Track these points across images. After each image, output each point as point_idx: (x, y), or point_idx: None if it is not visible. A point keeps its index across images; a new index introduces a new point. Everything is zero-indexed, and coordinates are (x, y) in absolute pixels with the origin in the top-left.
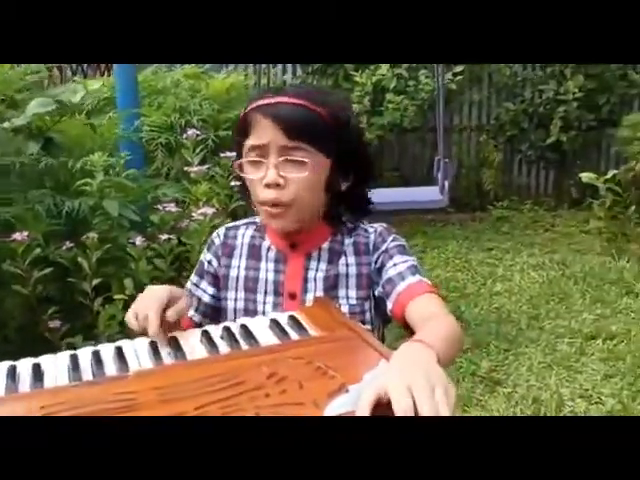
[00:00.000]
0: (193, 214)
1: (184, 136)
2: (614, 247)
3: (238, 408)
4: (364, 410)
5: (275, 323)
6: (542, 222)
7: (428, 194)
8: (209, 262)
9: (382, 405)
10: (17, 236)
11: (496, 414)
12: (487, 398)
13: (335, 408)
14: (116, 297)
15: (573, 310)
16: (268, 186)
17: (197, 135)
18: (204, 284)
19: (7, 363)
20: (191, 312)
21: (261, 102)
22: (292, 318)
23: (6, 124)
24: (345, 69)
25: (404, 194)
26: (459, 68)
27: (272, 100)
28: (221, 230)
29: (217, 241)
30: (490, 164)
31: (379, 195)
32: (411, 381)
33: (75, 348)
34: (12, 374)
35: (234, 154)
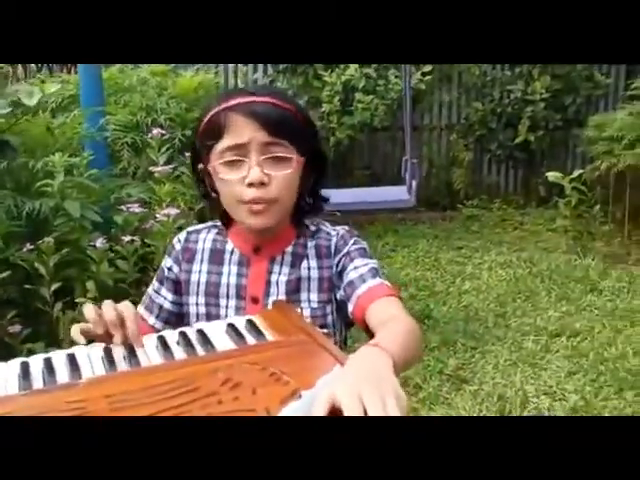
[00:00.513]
0: (157, 215)
1: (149, 135)
2: (579, 245)
3: (190, 415)
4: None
5: (232, 328)
6: (511, 220)
7: (396, 194)
8: (169, 268)
9: (334, 413)
10: None
11: (462, 412)
12: (453, 396)
13: (286, 414)
14: (78, 301)
15: (539, 308)
16: (251, 185)
17: (162, 134)
18: (164, 291)
19: None
20: (152, 319)
21: (234, 102)
22: (250, 322)
23: None
24: (315, 68)
25: (372, 194)
26: (428, 68)
27: (245, 99)
28: (182, 234)
29: (178, 246)
30: (460, 163)
31: (348, 195)
32: (363, 391)
33: (34, 354)
34: None
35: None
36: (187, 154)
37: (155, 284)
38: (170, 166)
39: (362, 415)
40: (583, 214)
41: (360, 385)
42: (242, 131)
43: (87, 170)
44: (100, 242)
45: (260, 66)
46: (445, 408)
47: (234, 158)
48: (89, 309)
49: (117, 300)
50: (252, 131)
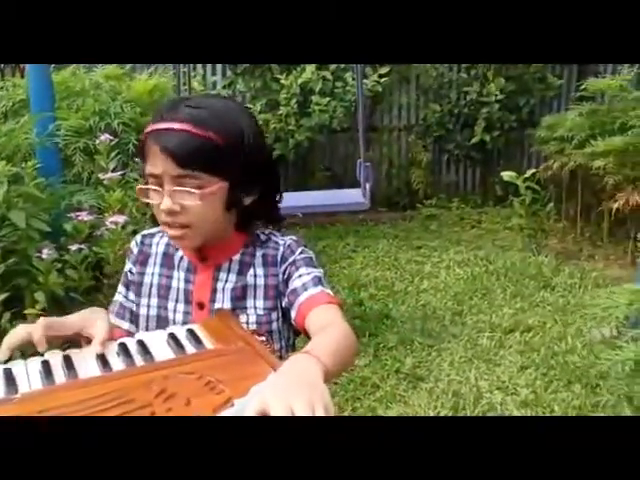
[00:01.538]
0: (107, 222)
1: (97, 141)
2: (534, 243)
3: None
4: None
5: (173, 337)
6: (469, 219)
7: (352, 197)
8: (130, 272)
9: None
10: None
11: (418, 409)
12: (410, 394)
13: None
14: (27, 312)
15: (494, 305)
16: (164, 212)
17: (110, 140)
18: (132, 295)
19: None
20: (127, 325)
21: (152, 127)
22: (190, 332)
23: None
24: (272, 71)
25: (330, 197)
26: (384, 70)
27: (162, 126)
28: (138, 238)
29: (135, 249)
30: (418, 164)
31: (306, 198)
32: (292, 400)
33: None
34: None
35: None
36: (136, 160)
37: (122, 290)
38: (119, 172)
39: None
40: (537, 212)
41: (289, 392)
42: (156, 161)
43: (35, 178)
44: (46, 252)
45: (219, 68)
46: (401, 406)
47: (152, 185)
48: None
49: (69, 309)
50: (164, 163)
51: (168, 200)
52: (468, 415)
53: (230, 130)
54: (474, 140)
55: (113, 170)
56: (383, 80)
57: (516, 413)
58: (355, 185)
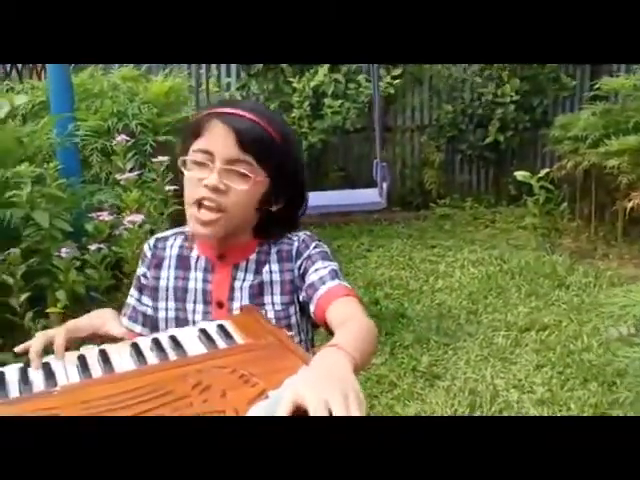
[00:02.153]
0: (124, 222)
1: (114, 142)
2: (548, 242)
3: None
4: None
5: (204, 333)
6: (482, 219)
7: (368, 196)
8: (144, 275)
9: (299, 412)
10: None
11: (435, 407)
12: (427, 392)
13: (253, 414)
14: (49, 311)
15: (509, 304)
16: (206, 187)
17: (127, 141)
18: (145, 299)
19: None
20: (139, 329)
21: (220, 110)
22: (220, 327)
23: None
24: (284, 74)
25: (346, 197)
26: (398, 71)
27: (231, 110)
28: (151, 241)
29: (148, 253)
30: (431, 164)
31: (322, 198)
32: (325, 390)
33: (5, 365)
34: None
35: (166, 158)
36: (153, 160)
37: (135, 293)
38: (135, 173)
39: (326, 413)
40: (551, 211)
41: (323, 384)
42: (216, 138)
43: (57, 178)
44: (64, 251)
45: (233, 70)
46: (419, 404)
47: (201, 160)
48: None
49: (89, 307)
50: (224, 141)
51: (216, 176)
52: (485, 413)
53: (284, 133)
54: (488, 140)
55: (130, 170)
56: (396, 82)
57: (532, 411)
58: (369, 185)
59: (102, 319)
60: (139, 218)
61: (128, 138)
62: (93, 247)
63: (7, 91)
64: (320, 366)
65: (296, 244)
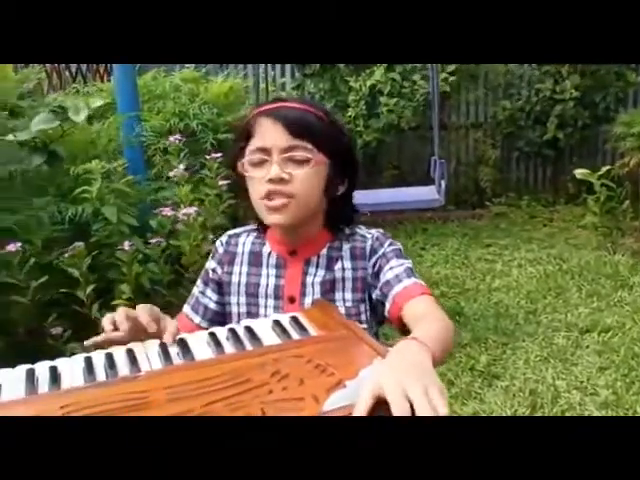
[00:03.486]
0: (178, 215)
1: (167, 143)
2: (609, 241)
3: (243, 405)
4: (362, 410)
5: (277, 324)
6: (540, 217)
7: (426, 194)
8: (213, 270)
9: (380, 404)
10: (10, 247)
11: (494, 407)
12: (485, 391)
13: (333, 402)
14: (114, 303)
15: (569, 304)
16: (271, 181)
17: (179, 140)
18: (209, 292)
19: (25, 366)
20: (198, 319)
21: (264, 107)
22: (294, 319)
23: (10, 136)
24: (341, 73)
25: (402, 194)
26: (452, 67)
27: (274, 105)
28: (223, 238)
29: (220, 249)
30: (487, 161)
31: (378, 195)
32: (407, 383)
33: (75, 354)
34: (31, 376)
35: (219, 155)
36: (207, 157)
37: (200, 285)
38: (181, 168)
39: (406, 404)
40: (612, 210)
41: (403, 377)
42: (267, 134)
43: (125, 175)
44: (127, 245)
45: (288, 70)
46: (477, 403)
47: (259, 159)
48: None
49: (153, 301)
50: (275, 134)
51: (277, 168)
52: (546, 414)
53: (330, 115)
54: (546, 137)
55: (187, 169)
56: (451, 79)
57: (597, 414)
58: (423, 182)
59: (156, 314)
60: (192, 210)
61: (180, 138)
62: (153, 241)
63: (75, 93)
64: (400, 357)
65: (370, 242)
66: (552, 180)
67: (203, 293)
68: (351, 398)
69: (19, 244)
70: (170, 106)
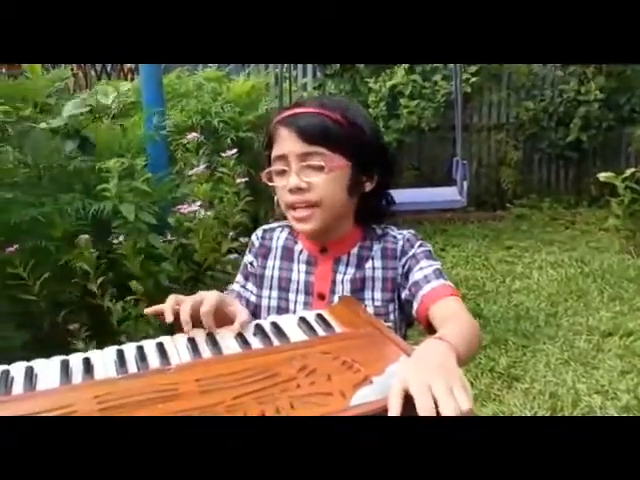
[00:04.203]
0: (182, 211)
1: (185, 140)
2: (632, 244)
3: (272, 398)
4: (394, 408)
5: (303, 321)
6: (562, 220)
7: (447, 194)
8: (251, 263)
9: (406, 400)
10: (10, 248)
11: (513, 409)
12: (505, 393)
13: (360, 398)
14: (130, 298)
15: (591, 307)
16: (292, 191)
17: (198, 138)
18: (250, 285)
19: (59, 357)
20: None
21: (280, 115)
22: (319, 316)
23: (43, 124)
24: (361, 74)
25: (424, 195)
26: (474, 68)
27: (290, 112)
28: (259, 232)
29: (256, 243)
30: (508, 163)
31: (399, 196)
32: (431, 381)
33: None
34: (65, 367)
35: (234, 151)
36: (222, 155)
37: (241, 280)
38: (202, 166)
39: (430, 399)
40: (636, 213)
41: (429, 375)
42: (284, 143)
43: (145, 173)
44: (121, 238)
45: (309, 71)
46: (496, 405)
47: (280, 168)
48: (170, 299)
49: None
50: (291, 142)
51: (295, 177)
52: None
53: (352, 115)
54: (570, 139)
55: (207, 167)
56: (472, 80)
57: None
58: (443, 183)
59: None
60: (195, 207)
61: (199, 135)
62: (164, 239)
63: None
64: (426, 355)
65: (400, 242)
66: (575, 182)
67: (244, 287)
68: (378, 394)
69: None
70: (193, 104)
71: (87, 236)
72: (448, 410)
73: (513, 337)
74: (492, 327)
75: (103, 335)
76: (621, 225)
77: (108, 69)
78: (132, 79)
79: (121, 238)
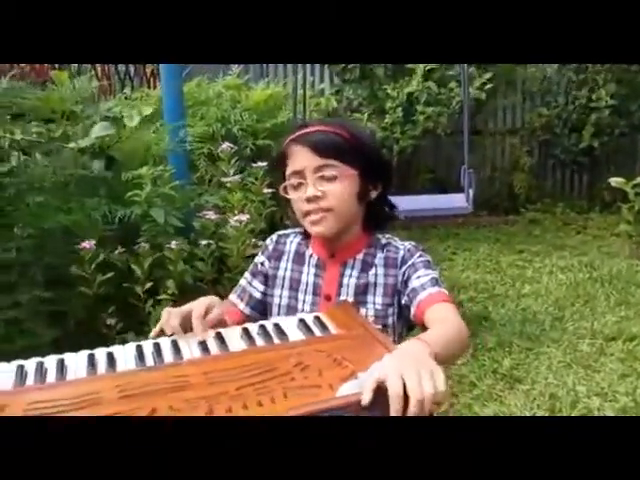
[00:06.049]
0: (230, 221)
1: (219, 149)
2: None
3: (270, 389)
4: (367, 393)
5: (302, 322)
6: (573, 225)
7: (456, 201)
8: (261, 263)
9: (382, 389)
10: (85, 244)
11: (514, 409)
12: (506, 394)
13: (346, 390)
14: (161, 297)
15: (596, 312)
16: (309, 200)
17: (231, 148)
18: (256, 282)
19: (86, 352)
20: (242, 305)
21: (293, 135)
22: (317, 318)
23: (72, 144)
24: (379, 80)
25: (433, 201)
26: (489, 74)
27: (302, 131)
28: (274, 236)
29: (270, 246)
30: (521, 168)
31: (408, 202)
32: (403, 369)
33: (126, 342)
34: (92, 360)
35: (265, 164)
36: (253, 165)
37: (248, 276)
38: (238, 176)
39: (401, 384)
40: None
41: (401, 364)
42: (299, 159)
43: (170, 181)
44: (174, 244)
45: (327, 77)
46: (497, 405)
47: (297, 182)
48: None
49: (196, 296)
50: (306, 157)
51: (312, 188)
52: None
53: (355, 131)
54: (582, 145)
55: (234, 174)
56: (486, 87)
57: None
58: (458, 187)
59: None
60: (245, 217)
61: (232, 145)
62: (204, 242)
63: (125, 99)
64: (401, 351)
65: (402, 252)
66: (587, 188)
67: (250, 283)
68: (361, 387)
69: (93, 242)
70: (213, 112)
71: (147, 244)
72: (414, 393)
73: (518, 340)
74: (498, 330)
75: (137, 330)
76: (632, 231)
77: (131, 76)
78: (155, 86)
79: (173, 243)
